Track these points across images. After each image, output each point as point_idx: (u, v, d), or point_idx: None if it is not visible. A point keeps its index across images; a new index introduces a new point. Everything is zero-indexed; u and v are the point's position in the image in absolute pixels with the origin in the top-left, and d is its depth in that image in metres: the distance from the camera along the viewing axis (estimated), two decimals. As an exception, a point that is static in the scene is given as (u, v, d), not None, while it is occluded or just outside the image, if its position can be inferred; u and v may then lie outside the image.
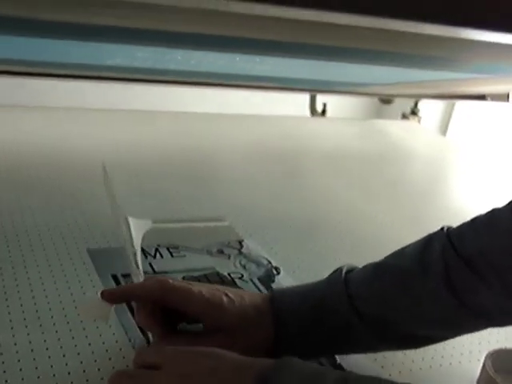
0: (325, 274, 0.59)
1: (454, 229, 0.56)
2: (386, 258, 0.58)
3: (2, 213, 0.78)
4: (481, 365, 0.61)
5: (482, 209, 0.56)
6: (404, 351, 0.63)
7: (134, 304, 0.58)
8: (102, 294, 0.53)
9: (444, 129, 2.26)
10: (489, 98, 1.28)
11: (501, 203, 0.55)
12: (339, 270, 0.58)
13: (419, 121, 1.72)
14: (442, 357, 0.64)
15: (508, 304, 0.52)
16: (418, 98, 1.61)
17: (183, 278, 0.69)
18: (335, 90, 1.20)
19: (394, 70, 1.03)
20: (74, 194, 0.88)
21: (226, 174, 1.08)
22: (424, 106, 1.75)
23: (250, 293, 0.59)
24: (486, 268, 0.52)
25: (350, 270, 0.58)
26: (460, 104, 2.15)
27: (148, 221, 0.76)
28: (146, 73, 0.89)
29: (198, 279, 0.69)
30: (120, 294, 0.56)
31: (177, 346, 0.51)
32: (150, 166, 1.06)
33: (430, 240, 0.56)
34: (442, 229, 0.56)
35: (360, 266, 0.58)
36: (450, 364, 0.63)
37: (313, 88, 1.23)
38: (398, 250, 0.58)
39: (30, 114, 1.21)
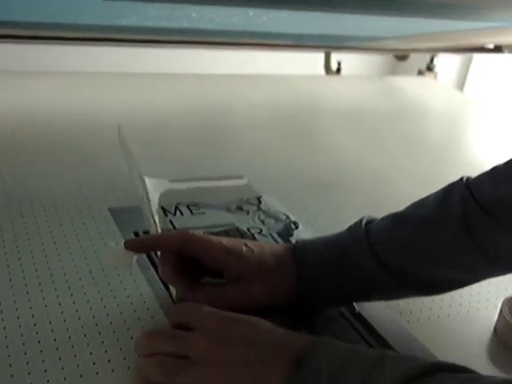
0: (342, 227, 0.59)
1: (473, 178, 0.57)
2: (405, 208, 0.59)
3: (26, 177, 0.80)
4: (498, 311, 0.62)
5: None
6: (422, 299, 0.64)
7: (157, 259, 0.60)
8: (125, 243, 0.55)
9: (461, 84, 2.24)
10: (506, 51, 1.26)
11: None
12: (359, 221, 0.59)
13: (435, 77, 1.71)
14: (460, 305, 0.65)
15: None
16: (433, 52, 1.58)
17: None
18: (349, 45, 1.18)
19: (407, 21, 1.02)
20: (94, 156, 0.89)
21: (241, 134, 1.08)
22: (440, 61, 1.73)
23: (270, 244, 0.60)
24: (504, 214, 0.52)
25: (370, 221, 0.59)
26: (477, 59, 2.12)
27: (165, 180, 0.78)
28: (160, 33, 0.89)
29: (217, 235, 0.71)
30: (142, 243, 0.57)
31: (199, 299, 0.53)
32: (164, 129, 1.06)
33: (449, 189, 0.56)
34: (462, 179, 0.57)
35: (379, 218, 0.59)
36: (468, 312, 0.64)
37: (326, 44, 1.22)
38: (418, 201, 0.58)
39: (43, 79, 1.22)
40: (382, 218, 0.59)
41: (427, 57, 1.71)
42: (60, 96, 1.14)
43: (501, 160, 0.56)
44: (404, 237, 0.56)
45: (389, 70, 1.99)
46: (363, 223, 0.58)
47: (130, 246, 0.55)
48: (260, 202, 0.80)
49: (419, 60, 1.74)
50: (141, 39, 0.97)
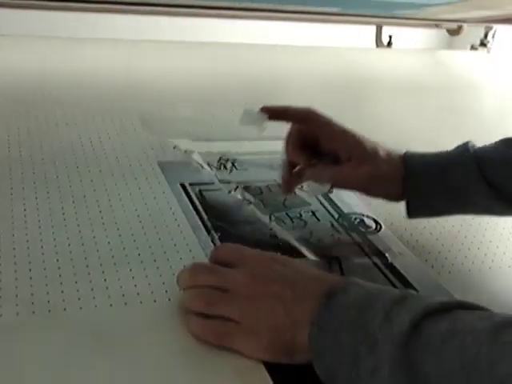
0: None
1: None
2: None
3: (85, 134, 0.84)
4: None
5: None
6: (455, 253, 0.66)
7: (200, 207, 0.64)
8: (261, 108, 0.63)
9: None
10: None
11: None
12: (466, 142, 0.65)
13: (489, 51, 1.68)
14: (492, 261, 0.67)
15: None
16: (485, 23, 1.56)
17: (244, 187, 0.74)
18: (397, 15, 1.18)
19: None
20: (143, 116, 0.93)
21: (293, 103, 1.10)
22: (498, 38, 1.70)
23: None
24: None
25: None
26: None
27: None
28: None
29: (260, 189, 0.74)
30: (275, 109, 0.64)
31: (316, 174, 0.64)
32: (215, 96, 1.09)
33: None
34: None
35: None
36: (500, 268, 0.66)
37: (376, 14, 1.22)
38: None
39: (96, 45, 1.26)
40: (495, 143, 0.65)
41: (481, 32, 1.69)
42: (101, 59, 1.18)
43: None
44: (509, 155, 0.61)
45: (442, 45, 1.97)
46: (469, 144, 0.64)
47: (265, 109, 0.63)
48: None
49: (473, 35, 1.72)
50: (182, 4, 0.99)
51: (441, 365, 0.38)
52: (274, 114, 0.64)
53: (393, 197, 0.65)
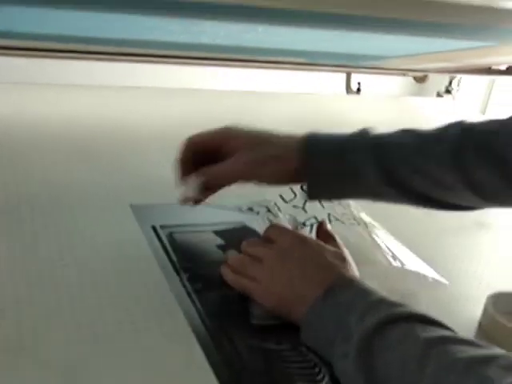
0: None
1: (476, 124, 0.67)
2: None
3: (56, 176, 0.87)
4: (482, 307, 0.67)
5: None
6: (410, 295, 0.69)
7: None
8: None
9: (483, 108, 2.28)
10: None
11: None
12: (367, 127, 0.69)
13: (454, 98, 1.76)
14: (448, 302, 0.70)
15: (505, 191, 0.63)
16: (449, 72, 1.64)
17: (214, 231, 0.77)
18: (364, 65, 1.24)
19: (423, 41, 1.06)
20: (116, 159, 0.96)
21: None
22: (463, 84, 1.77)
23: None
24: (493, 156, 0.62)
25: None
26: (498, 83, 2.17)
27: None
28: (180, 48, 0.96)
29: (226, 232, 0.77)
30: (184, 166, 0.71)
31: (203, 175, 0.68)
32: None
33: (447, 126, 0.67)
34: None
35: None
36: (454, 307, 0.70)
37: (339, 63, 1.27)
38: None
39: (79, 93, 1.30)
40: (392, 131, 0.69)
41: (446, 80, 1.76)
42: (80, 107, 1.21)
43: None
44: (401, 144, 0.66)
45: (410, 92, 2.05)
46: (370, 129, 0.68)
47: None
48: (270, 205, 0.85)
49: (438, 82, 1.80)
50: (161, 54, 1.04)
51: (389, 360, 0.50)
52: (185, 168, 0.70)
53: (287, 179, 0.69)
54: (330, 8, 0.79)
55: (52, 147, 0.97)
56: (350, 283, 0.60)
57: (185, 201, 0.71)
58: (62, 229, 0.72)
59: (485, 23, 0.92)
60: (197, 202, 0.72)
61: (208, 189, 0.70)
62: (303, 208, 0.83)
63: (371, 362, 0.51)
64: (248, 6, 0.73)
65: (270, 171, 0.67)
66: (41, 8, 0.79)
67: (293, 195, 0.84)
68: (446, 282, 0.73)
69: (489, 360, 0.47)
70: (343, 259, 0.65)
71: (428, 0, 0.75)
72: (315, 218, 0.81)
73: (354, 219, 0.83)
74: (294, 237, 0.67)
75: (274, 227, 0.70)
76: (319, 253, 0.64)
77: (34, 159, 0.91)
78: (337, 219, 0.82)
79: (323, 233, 0.72)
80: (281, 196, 0.84)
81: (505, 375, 0.45)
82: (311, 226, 0.79)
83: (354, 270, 0.65)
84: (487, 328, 0.66)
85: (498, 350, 0.49)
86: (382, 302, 0.56)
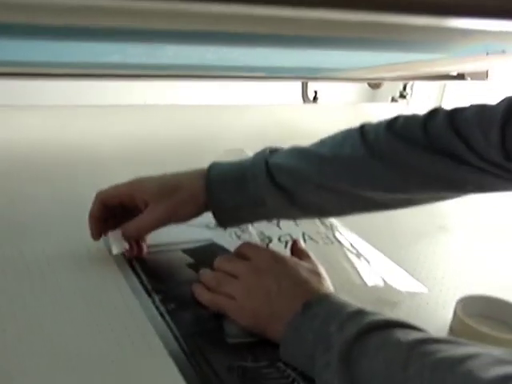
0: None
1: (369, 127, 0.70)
2: (310, 145, 0.71)
3: (14, 196, 0.86)
4: (452, 311, 0.68)
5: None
6: (385, 302, 0.70)
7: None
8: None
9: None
10: (468, 78, 1.35)
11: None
12: (265, 148, 0.71)
13: (408, 103, 1.79)
14: (419, 305, 0.72)
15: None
16: (402, 80, 1.67)
17: (183, 250, 0.76)
18: (321, 76, 1.26)
19: (377, 55, 1.10)
20: (78, 180, 0.95)
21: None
22: (416, 89, 1.81)
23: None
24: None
25: (275, 150, 0.71)
26: (450, 87, 2.21)
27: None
28: (138, 68, 0.96)
29: (195, 250, 0.77)
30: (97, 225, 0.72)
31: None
32: (151, 157, 1.12)
33: (345, 134, 0.70)
34: (363, 126, 0.69)
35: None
36: (426, 311, 0.71)
37: (299, 75, 1.29)
38: (322, 139, 0.71)
39: (30, 113, 1.27)
40: (285, 150, 0.71)
41: (400, 85, 1.79)
42: (43, 129, 1.19)
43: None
44: (299, 167, 0.68)
45: (365, 98, 2.08)
46: (267, 151, 0.71)
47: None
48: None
49: (392, 88, 1.83)
50: (122, 74, 1.03)
51: (372, 366, 0.51)
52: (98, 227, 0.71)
53: (203, 211, 0.71)
54: (288, 31, 0.80)
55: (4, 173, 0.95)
56: (327, 297, 0.60)
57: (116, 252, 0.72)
58: (28, 252, 0.71)
59: (435, 39, 0.95)
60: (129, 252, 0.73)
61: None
62: (277, 225, 0.84)
63: (354, 369, 0.52)
64: (202, 31, 0.74)
65: (184, 213, 0.71)
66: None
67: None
68: (425, 291, 0.75)
69: (471, 357, 0.48)
70: (318, 275, 0.66)
71: (382, 22, 0.76)
72: (289, 235, 0.82)
73: (328, 238, 0.84)
74: (269, 254, 0.68)
75: (247, 244, 0.71)
76: (295, 269, 0.65)
77: None
78: (311, 238, 0.82)
79: (297, 250, 0.73)
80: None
81: (488, 370, 0.46)
82: (286, 242, 0.80)
83: (330, 286, 0.65)
84: (458, 332, 0.67)
85: (478, 348, 0.50)
86: (361, 312, 0.56)
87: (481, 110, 0.64)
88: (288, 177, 0.68)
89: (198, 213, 0.71)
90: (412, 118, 0.68)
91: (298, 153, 0.70)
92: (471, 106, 0.65)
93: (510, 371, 0.46)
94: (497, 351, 0.50)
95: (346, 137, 0.69)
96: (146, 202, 0.69)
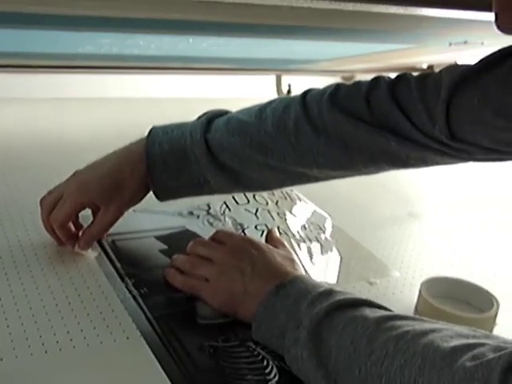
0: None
1: (309, 96, 0.68)
2: (249, 115, 0.70)
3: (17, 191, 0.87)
4: (417, 292, 0.70)
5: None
6: (349, 284, 0.72)
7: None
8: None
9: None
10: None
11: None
12: (204, 119, 0.71)
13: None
14: (386, 288, 0.74)
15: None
16: (374, 72, 1.69)
17: (155, 237, 0.78)
18: (292, 68, 1.28)
19: (348, 45, 1.11)
20: (53, 170, 0.95)
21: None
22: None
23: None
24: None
25: (212, 119, 0.71)
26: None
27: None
28: (111, 59, 0.97)
29: (168, 236, 0.78)
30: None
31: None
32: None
33: (287, 106, 0.68)
34: (304, 96, 0.68)
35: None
36: (393, 294, 0.73)
37: (275, 68, 1.30)
38: (261, 108, 0.70)
39: (14, 106, 1.28)
40: (224, 123, 0.70)
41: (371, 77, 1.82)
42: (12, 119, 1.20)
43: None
44: (242, 146, 0.68)
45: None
46: (205, 120, 0.70)
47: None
48: (209, 208, 0.87)
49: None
50: (97, 66, 1.04)
51: (339, 341, 0.52)
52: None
53: (149, 191, 0.72)
54: (259, 19, 0.82)
55: None
56: (300, 278, 0.62)
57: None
58: (13, 241, 0.72)
59: (405, 28, 0.97)
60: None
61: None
62: (255, 214, 0.85)
63: (322, 343, 0.53)
64: (180, 19, 0.75)
65: (134, 202, 0.72)
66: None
67: (246, 200, 0.87)
68: (397, 274, 0.78)
69: (434, 330, 0.50)
70: (292, 260, 0.68)
71: (352, 10, 0.78)
72: (265, 225, 0.83)
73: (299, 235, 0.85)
74: (244, 238, 0.70)
75: (223, 231, 0.72)
76: (269, 253, 0.67)
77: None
78: (285, 233, 0.84)
79: (272, 238, 0.74)
80: (233, 197, 0.87)
81: (447, 341, 0.48)
82: (262, 231, 0.81)
83: (302, 271, 0.67)
84: (422, 312, 0.69)
85: (440, 325, 0.52)
86: (331, 292, 0.58)
87: (423, 84, 0.63)
88: (231, 157, 0.69)
89: (145, 194, 0.72)
90: (354, 88, 0.66)
91: (239, 127, 0.69)
92: (413, 76, 0.64)
93: (468, 342, 0.48)
94: (457, 327, 0.52)
95: (288, 109, 0.68)
96: (96, 205, 0.70)
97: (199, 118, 0.72)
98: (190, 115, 1.32)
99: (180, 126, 0.72)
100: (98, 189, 0.69)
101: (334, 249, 0.82)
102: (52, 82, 1.45)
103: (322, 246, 0.82)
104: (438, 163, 0.67)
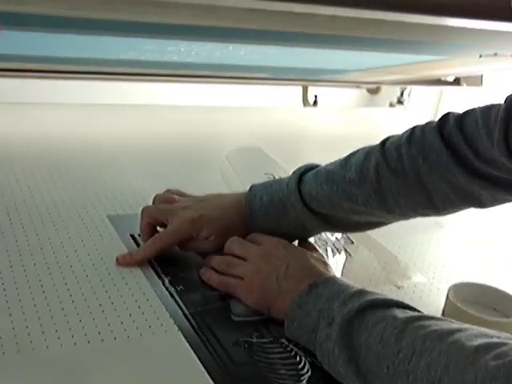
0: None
1: (388, 143, 0.72)
2: (335, 166, 0.74)
3: (38, 191, 0.89)
4: (445, 296, 0.72)
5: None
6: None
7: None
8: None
9: (433, 116, 2.36)
10: (464, 84, 1.39)
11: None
12: (298, 171, 0.76)
13: (405, 108, 1.83)
14: (414, 292, 0.76)
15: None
16: (400, 84, 1.71)
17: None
18: (322, 78, 1.30)
19: (375, 56, 1.13)
20: (87, 174, 0.99)
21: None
22: (413, 95, 1.85)
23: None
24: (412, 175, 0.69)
25: (306, 171, 0.75)
26: (447, 94, 2.26)
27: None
28: (151, 66, 0.99)
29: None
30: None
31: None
32: (156, 153, 1.16)
33: (368, 153, 0.72)
34: (384, 143, 0.72)
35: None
36: (420, 297, 0.75)
37: (300, 77, 1.33)
38: (345, 159, 0.74)
39: (45, 110, 1.31)
40: (316, 172, 0.74)
41: (398, 90, 1.84)
42: (47, 124, 1.23)
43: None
44: (330, 194, 0.72)
45: (363, 103, 2.11)
46: (297, 176, 0.75)
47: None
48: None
49: (390, 94, 1.87)
50: (134, 72, 1.07)
51: (369, 339, 0.55)
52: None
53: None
54: (293, 28, 0.84)
55: (23, 164, 0.99)
56: (332, 279, 0.65)
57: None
58: (44, 242, 0.75)
59: (436, 39, 0.99)
60: None
61: None
62: None
63: (352, 340, 0.56)
64: (218, 27, 0.78)
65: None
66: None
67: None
68: (424, 280, 0.80)
69: (460, 330, 0.52)
70: (325, 263, 0.71)
71: (383, 19, 0.80)
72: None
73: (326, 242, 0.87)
74: (279, 240, 0.72)
75: (257, 233, 0.74)
76: (303, 255, 0.70)
77: (8, 176, 0.93)
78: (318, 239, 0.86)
79: (305, 243, 0.77)
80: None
81: (473, 340, 0.50)
82: None
83: (335, 273, 0.69)
84: (450, 316, 0.70)
85: (467, 325, 0.54)
86: (363, 292, 0.61)
87: (488, 112, 0.65)
88: (321, 204, 0.73)
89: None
90: (427, 127, 0.70)
91: (326, 177, 0.73)
92: (479, 107, 0.67)
93: (492, 341, 0.50)
94: (483, 328, 0.54)
95: (369, 156, 0.71)
96: (210, 234, 0.74)
97: (294, 172, 0.76)
98: (219, 123, 1.35)
99: (277, 181, 0.77)
100: (217, 225, 0.74)
101: (343, 252, 0.85)
102: (86, 89, 1.50)
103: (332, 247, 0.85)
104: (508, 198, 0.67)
